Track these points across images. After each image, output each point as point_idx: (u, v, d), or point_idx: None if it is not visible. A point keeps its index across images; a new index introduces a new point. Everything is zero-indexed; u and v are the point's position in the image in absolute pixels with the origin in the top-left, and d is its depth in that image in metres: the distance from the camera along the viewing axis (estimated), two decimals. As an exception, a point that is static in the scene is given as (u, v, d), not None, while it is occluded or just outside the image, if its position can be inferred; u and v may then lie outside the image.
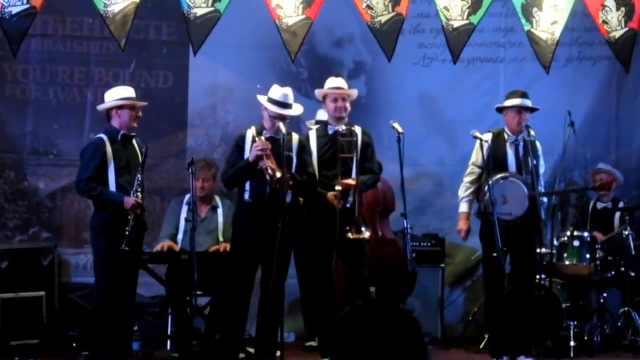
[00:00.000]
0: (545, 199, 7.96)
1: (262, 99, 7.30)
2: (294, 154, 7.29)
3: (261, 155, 7.08)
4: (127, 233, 7.01)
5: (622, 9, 7.98)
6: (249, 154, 7.21)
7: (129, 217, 7.06)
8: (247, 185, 7.25)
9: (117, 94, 7.33)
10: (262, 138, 7.18)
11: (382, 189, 8.44)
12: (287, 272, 7.32)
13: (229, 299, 7.31)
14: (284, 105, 7.25)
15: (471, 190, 7.88)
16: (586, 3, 8.04)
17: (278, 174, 6.97)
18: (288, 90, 7.32)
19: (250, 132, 7.31)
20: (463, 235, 7.91)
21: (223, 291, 7.42)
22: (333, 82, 7.61)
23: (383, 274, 8.05)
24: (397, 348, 2.77)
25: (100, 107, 7.45)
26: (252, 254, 7.21)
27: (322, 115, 8.14)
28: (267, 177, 7.04)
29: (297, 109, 7.40)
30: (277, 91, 7.28)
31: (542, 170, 7.95)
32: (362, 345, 2.77)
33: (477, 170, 7.81)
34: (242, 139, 7.35)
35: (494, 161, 7.76)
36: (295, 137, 7.37)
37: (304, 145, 7.38)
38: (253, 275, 7.34)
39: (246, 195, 7.26)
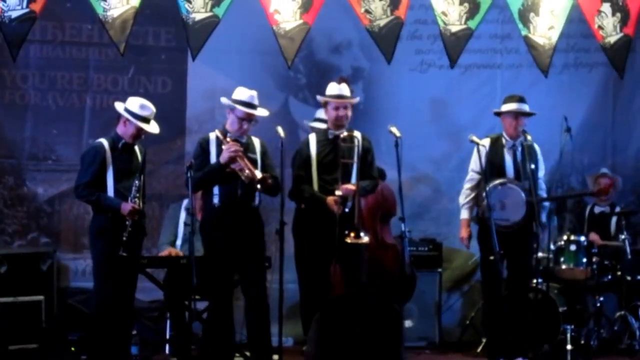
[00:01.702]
0: (546, 203, 8.00)
1: (227, 101, 7.28)
2: (258, 157, 7.32)
3: (234, 157, 7.09)
4: (124, 239, 7.03)
5: (618, 14, 8.03)
6: (215, 157, 7.19)
7: (127, 222, 7.08)
8: (216, 189, 7.20)
9: (134, 108, 7.27)
10: (229, 140, 7.16)
11: (384, 194, 8.46)
12: (265, 275, 7.34)
13: (214, 305, 7.35)
14: (252, 105, 7.25)
15: (471, 196, 7.91)
16: (582, 8, 8.09)
17: (258, 174, 6.99)
18: (254, 92, 7.30)
19: (214, 135, 7.27)
20: (466, 243, 7.95)
21: (209, 296, 7.46)
22: (335, 90, 7.55)
23: (383, 278, 8.07)
24: (375, 340, 2.80)
25: (116, 105, 7.41)
26: (226, 258, 7.19)
27: (321, 113, 8.17)
28: (244, 178, 7.03)
29: (262, 111, 7.37)
30: (244, 92, 7.28)
31: (541, 173, 7.99)
32: (342, 336, 2.78)
33: (477, 176, 7.84)
34: (207, 142, 7.30)
35: (492, 166, 7.81)
36: (256, 140, 7.38)
37: (265, 149, 7.39)
38: (231, 278, 7.33)
39: (215, 199, 7.20)
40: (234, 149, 7.06)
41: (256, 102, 7.29)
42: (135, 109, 7.27)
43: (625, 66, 8.27)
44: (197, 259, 7.36)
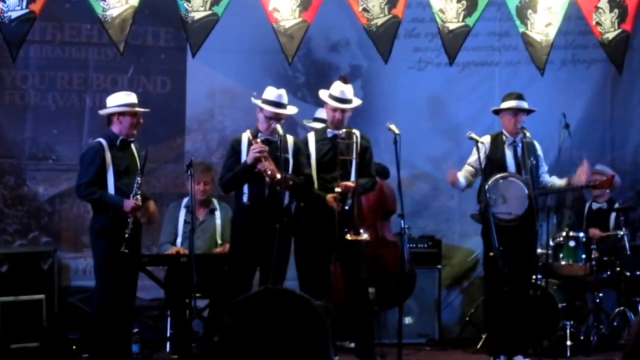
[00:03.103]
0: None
1: (257, 101, 7.37)
2: (290, 156, 7.36)
3: (259, 158, 7.15)
4: (126, 236, 7.06)
5: (616, 10, 8.03)
6: (245, 157, 7.28)
7: (128, 219, 7.11)
8: (245, 189, 7.31)
9: (119, 100, 7.36)
10: (258, 141, 7.26)
11: (384, 191, 8.49)
12: (285, 274, 7.38)
13: (228, 301, 7.36)
14: (280, 105, 7.33)
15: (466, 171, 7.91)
16: (580, 5, 8.10)
17: (278, 175, 7.05)
18: (282, 91, 7.39)
19: (246, 136, 7.37)
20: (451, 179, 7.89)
21: (222, 293, 7.48)
22: (337, 91, 7.52)
23: (383, 275, 8.10)
24: (295, 338, 2.72)
25: (102, 111, 7.49)
26: (251, 256, 7.27)
27: (321, 113, 8.20)
28: (267, 179, 7.12)
29: (291, 109, 7.48)
30: (272, 92, 7.36)
31: (544, 169, 8.00)
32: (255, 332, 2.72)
33: (471, 169, 7.86)
34: (238, 142, 7.41)
35: (493, 163, 7.82)
36: (290, 139, 7.44)
37: (299, 147, 7.46)
38: (252, 277, 7.41)
39: (244, 198, 7.32)
40: (259, 149, 7.15)
41: (284, 100, 7.38)
42: (121, 101, 7.35)
43: (623, 62, 8.28)
44: (198, 257, 7.43)
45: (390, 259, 8.29)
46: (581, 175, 7.91)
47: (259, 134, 7.34)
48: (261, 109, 7.33)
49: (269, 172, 7.09)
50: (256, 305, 2.69)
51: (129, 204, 7.14)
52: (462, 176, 7.89)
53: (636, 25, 8.57)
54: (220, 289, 7.50)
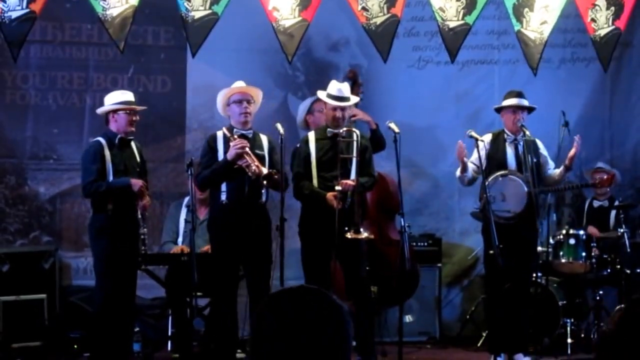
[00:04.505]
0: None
1: (221, 97, 7.42)
2: (265, 153, 7.37)
3: (241, 154, 7.13)
4: (142, 252, 7.13)
5: (612, 8, 8.03)
6: (222, 154, 7.26)
7: (142, 236, 7.15)
8: (224, 186, 7.26)
9: (115, 98, 7.40)
10: (236, 137, 7.22)
11: (390, 189, 8.49)
12: (270, 271, 7.39)
13: (218, 301, 7.39)
14: (242, 87, 7.41)
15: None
16: (577, 2, 8.09)
17: (265, 170, 7.04)
18: (241, 82, 7.47)
19: (221, 132, 7.35)
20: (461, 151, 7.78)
21: (212, 293, 7.50)
22: (334, 89, 7.53)
23: (386, 274, 8.11)
24: (320, 336, 2.72)
25: (99, 110, 7.54)
26: (233, 255, 7.25)
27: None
28: (250, 174, 7.06)
29: (254, 89, 7.49)
30: (233, 84, 7.45)
31: (551, 166, 8.00)
32: (282, 331, 2.72)
33: (474, 166, 7.87)
34: (214, 139, 7.38)
35: (494, 161, 7.82)
36: (264, 137, 7.44)
37: (273, 145, 7.44)
38: (237, 274, 7.39)
39: (223, 196, 7.25)
40: (241, 145, 7.12)
41: (244, 84, 7.43)
42: (117, 99, 7.39)
43: (610, 59, 8.23)
44: (198, 256, 7.43)
45: (394, 257, 8.26)
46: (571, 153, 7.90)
47: (235, 130, 7.32)
48: (229, 103, 7.37)
49: (253, 168, 7.05)
50: (276, 305, 2.70)
51: (137, 182, 7.18)
52: (469, 168, 7.86)
53: (636, 24, 8.57)
54: (210, 289, 7.51)
